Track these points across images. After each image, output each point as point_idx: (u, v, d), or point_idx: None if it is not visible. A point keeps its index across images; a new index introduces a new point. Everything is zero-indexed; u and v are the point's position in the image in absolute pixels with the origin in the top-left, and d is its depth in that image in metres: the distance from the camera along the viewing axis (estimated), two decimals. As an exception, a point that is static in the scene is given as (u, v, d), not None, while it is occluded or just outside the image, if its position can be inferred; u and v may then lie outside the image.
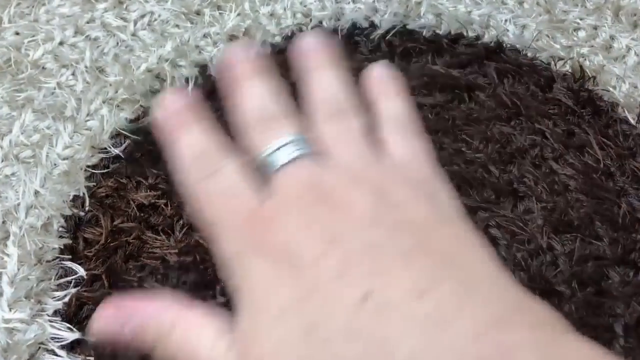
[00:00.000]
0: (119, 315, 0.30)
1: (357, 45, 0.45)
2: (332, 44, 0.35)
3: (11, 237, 0.37)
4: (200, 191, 0.31)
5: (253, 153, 0.31)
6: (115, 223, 0.38)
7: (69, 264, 0.37)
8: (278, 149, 0.30)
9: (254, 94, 0.33)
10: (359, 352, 0.25)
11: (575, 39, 0.44)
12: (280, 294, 0.27)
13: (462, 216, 0.30)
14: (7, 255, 0.37)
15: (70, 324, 0.35)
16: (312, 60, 0.35)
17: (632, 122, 0.42)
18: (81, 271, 0.36)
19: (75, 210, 0.38)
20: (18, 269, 0.36)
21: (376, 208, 0.29)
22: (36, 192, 0.39)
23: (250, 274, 0.28)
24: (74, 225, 0.38)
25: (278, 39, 0.45)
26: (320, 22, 0.46)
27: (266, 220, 0.29)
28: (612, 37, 0.44)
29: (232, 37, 0.45)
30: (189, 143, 0.32)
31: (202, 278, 0.36)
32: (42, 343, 0.34)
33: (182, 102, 0.33)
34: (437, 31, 0.45)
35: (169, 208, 0.38)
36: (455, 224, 0.30)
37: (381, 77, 0.36)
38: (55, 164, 0.40)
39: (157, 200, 0.38)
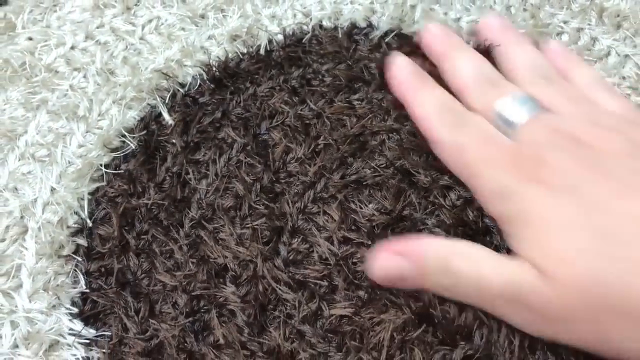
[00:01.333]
0: (398, 252, 0.33)
1: (356, 44, 0.45)
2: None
3: (29, 232, 0.37)
4: (454, 138, 0.34)
5: (481, 109, 0.35)
6: (126, 220, 0.38)
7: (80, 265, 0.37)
8: (513, 105, 0.34)
9: (470, 61, 0.38)
10: None
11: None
12: (562, 211, 0.29)
13: None
14: (26, 248, 0.36)
15: (86, 320, 0.35)
16: (507, 35, 0.39)
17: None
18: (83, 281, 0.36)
19: (89, 208, 0.38)
20: (36, 262, 0.36)
21: (626, 145, 0.31)
22: (52, 189, 0.38)
23: (524, 201, 0.30)
24: (89, 221, 0.38)
25: (280, 37, 0.45)
26: (320, 22, 0.45)
27: (529, 157, 0.31)
28: (593, 39, 0.44)
29: (235, 38, 0.45)
30: (432, 100, 0.36)
31: (212, 268, 0.35)
32: (60, 334, 0.34)
33: (412, 67, 0.39)
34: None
35: (177, 204, 0.38)
36: None
37: (562, 51, 0.40)
38: (70, 162, 0.39)
39: (163, 200, 0.38)
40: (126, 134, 0.40)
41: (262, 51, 0.44)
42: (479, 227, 0.37)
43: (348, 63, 0.43)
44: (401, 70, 0.39)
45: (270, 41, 0.44)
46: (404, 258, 0.32)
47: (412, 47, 0.43)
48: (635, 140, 0.31)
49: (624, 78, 0.42)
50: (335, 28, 0.45)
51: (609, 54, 0.43)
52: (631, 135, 0.32)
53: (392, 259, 0.33)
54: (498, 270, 0.30)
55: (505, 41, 0.39)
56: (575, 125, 0.32)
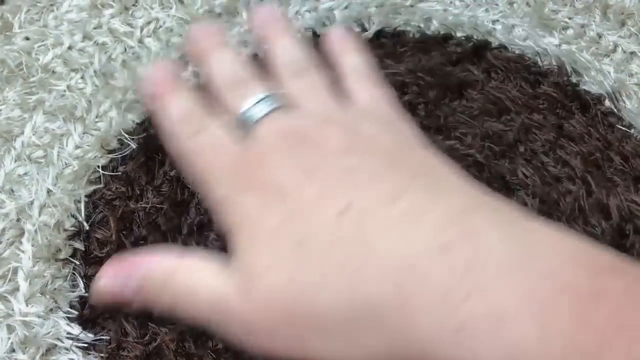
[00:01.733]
0: (121, 272, 0.30)
1: None
2: (283, 15, 0.38)
3: (25, 234, 0.37)
4: (189, 148, 0.32)
5: (231, 112, 0.33)
6: (124, 224, 0.37)
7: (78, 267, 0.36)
8: (253, 105, 0.32)
9: (224, 62, 0.35)
10: (343, 256, 0.26)
11: (562, 36, 0.44)
12: (269, 219, 0.28)
13: (426, 145, 0.31)
14: (22, 251, 0.36)
15: (85, 324, 0.34)
16: (271, 29, 0.37)
17: (618, 114, 0.41)
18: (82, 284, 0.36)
19: (86, 211, 0.38)
20: (33, 265, 0.35)
21: (347, 141, 0.30)
22: (49, 191, 0.38)
23: (240, 209, 0.29)
24: (86, 224, 0.37)
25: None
26: (313, 30, 0.45)
27: (251, 163, 0.30)
28: (599, 35, 0.44)
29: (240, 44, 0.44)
30: (176, 106, 0.34)
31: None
32: (58, 338, 0.33)
33: (166, 72, 0.35)
34: (427, 32, 0.45)
35: (175, 208, 0.38)
36: (420, 149, 0.30)
37: (340, 37, 0.38)
38: (66, 164, 0.39)
39: (162, 204, 0.38)
40: (124, 136, 0.40)
41: (258, 58, 0.43)
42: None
43: None
44: (152, 76, 0.35)
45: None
46: (128, 278, 0.30)
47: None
48: (359, 135, 0.30)
49: (631, 75, 0.42)
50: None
51: (615, 50, 0.43)
52: (358, 129, 0.30)
53: (116, 279, 0.30)
54: (211, 283, 0.28)
55: (269, 35, 0.37)
56: (307, 122, 0.31)
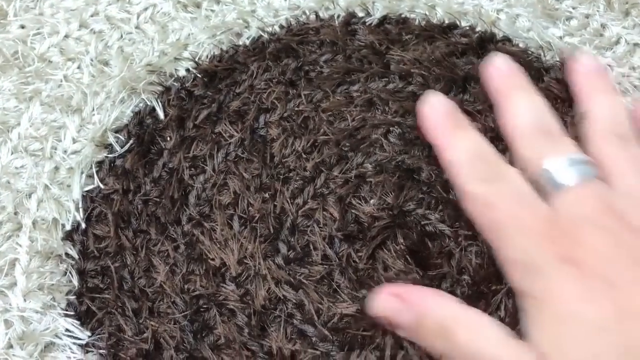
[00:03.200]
0: (400, 300, 0.30)
1: (354, 33, 0.43)
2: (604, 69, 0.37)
3: (23, 229, 0.36)
4: (481, 192, 0.30)
5: (529, 164, 0.31)
6: (122, 218, 0.37)
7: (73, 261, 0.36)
8: (563, 167, 0.30)
9: (528, 106, 0.33)
10: None
11: (566, 27, 0.43)
12: (593, 310, 0.26)
13: None
14: (20, 245, 0.36)
15: (83, 321, 0.34)
16: (596, 81, 0.35)
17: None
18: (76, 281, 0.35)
19: (83, 206, 0.37)
20: (30, 260, 0.35)
21: None
22: (46, 186, 0.37)
23: (554, 284, 0.27)
24: (84, 220, 0.37)
25: (276, 28, 0.43)
26: (316, 12, 0.44)
27: (568, 234, 0.28)
28: (603, 26, 0.43)
29: (230, 28, 0.43)
30: (465, 146, 0.32)
31: (211, 267, 0.35)
32: (56, 335, 0.33)
33: (447, 107, 0.34)
34: (432, 20, 0.44)
35: (174, 200, 0.37)
36: None
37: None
38: (63, 158, 0.39)
39: (160, 197, 0.37)
40: (120, 129, 0.39)
41: (257, 42, 0.43)
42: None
43: (345, 54, 0.42)
44: (434, 110, 0.34)
45: (266, 32, 0.43)
46: (405, 307, 0.30)
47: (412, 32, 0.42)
48: None
49: (633, 68, 0.41)
50: (332, 18, 0.44)
51: (618, 42, 0.42)
52: None
53: (393, 304, 0.30)
54: (501, 353, 0.27)
55: (589, 88, 0.35)
56: (629, 204, 0.28)
